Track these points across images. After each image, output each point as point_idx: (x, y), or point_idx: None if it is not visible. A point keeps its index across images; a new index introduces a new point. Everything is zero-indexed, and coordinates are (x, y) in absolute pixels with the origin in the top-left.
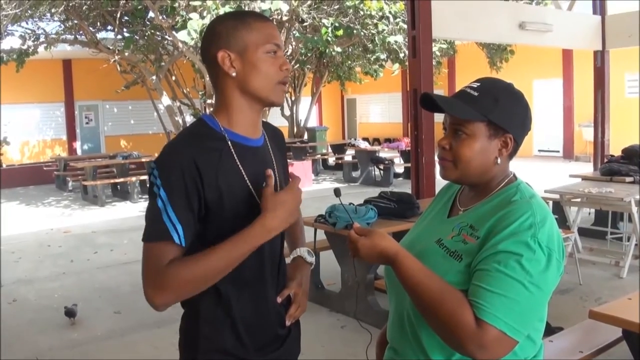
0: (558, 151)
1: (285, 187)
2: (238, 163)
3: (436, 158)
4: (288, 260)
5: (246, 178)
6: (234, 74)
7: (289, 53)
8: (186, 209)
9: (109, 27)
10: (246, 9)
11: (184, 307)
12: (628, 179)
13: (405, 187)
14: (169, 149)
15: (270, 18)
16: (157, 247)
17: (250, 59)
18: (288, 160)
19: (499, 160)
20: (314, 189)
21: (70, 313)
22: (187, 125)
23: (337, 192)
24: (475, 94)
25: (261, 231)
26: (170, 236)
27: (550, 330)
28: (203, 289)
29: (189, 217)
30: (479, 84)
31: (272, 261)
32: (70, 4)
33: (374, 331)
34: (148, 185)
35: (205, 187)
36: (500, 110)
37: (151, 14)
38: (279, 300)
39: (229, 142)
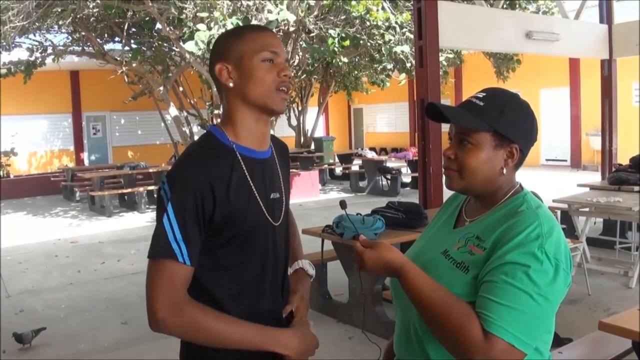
0: (565, 160)
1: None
2: (248, 177)
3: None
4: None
5: (255, 191)
6: (231, 85)
7: (295, 63)
8: (193, 229)
9: (117, 39)
10: (253, 20)
11: None
12: (636, 188)
13: (412, 197)
14: (182, 165)
15: (278, 29)
16: (167, 266)
17: (246, 68)
18: (295, 171)
19: (504, 171)
20: (321, 199)
21: (19, 338)
22: (194, 136)
23: (342, 204)
24: (481, 104)
25: (277, 339)
26: (175, 255)
27: (559, 341)
28: (198, 342)
29: (196, 237)
30: (484, 94)
31: (273, 276)
32: (78, 16)
33: (381, 342)
34: (156, 197)
35: (217, 206)
36: (505, 120)
37: (158, 26)
38: (284, 315)
39: (238, 156)
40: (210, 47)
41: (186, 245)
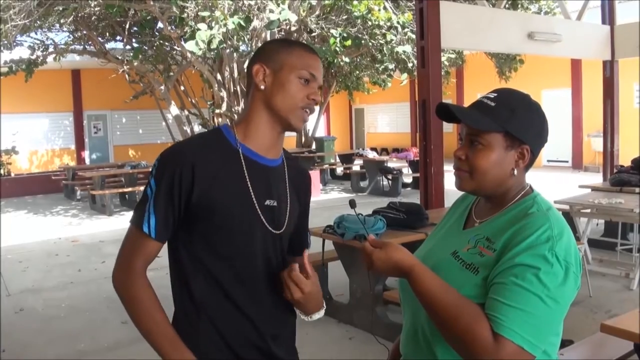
0: (567, 161)
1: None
2: (246, 176)
3: (446, 168)
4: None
5: (252, 192)
6: (262, 87)
7: None
8: (166, 203)
9: (118, 38)
10: (255, 19)
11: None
12: (638, 190)
13: (413, 197)
14: (175, 146)
15: (279, 28)
16: (135, 235)
17: (282, 78)
18: None
19: (515, 172)
20: (322, 199)
21: None
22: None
23: (352, 203)
24: (492, 104)
25: (180, 355)
26: (142, 224)
27: (560, 344)
28: (131, 319)
29: (168, 211)
30: (495, 95)
31: (269, 286)
32: (80, 15)
33: (384, 344)
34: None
35: (195, 189)
36: (517, 121)
37: (160, 25)
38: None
39: (241, 154)
40: (211, 47)
41: (156, 216)
